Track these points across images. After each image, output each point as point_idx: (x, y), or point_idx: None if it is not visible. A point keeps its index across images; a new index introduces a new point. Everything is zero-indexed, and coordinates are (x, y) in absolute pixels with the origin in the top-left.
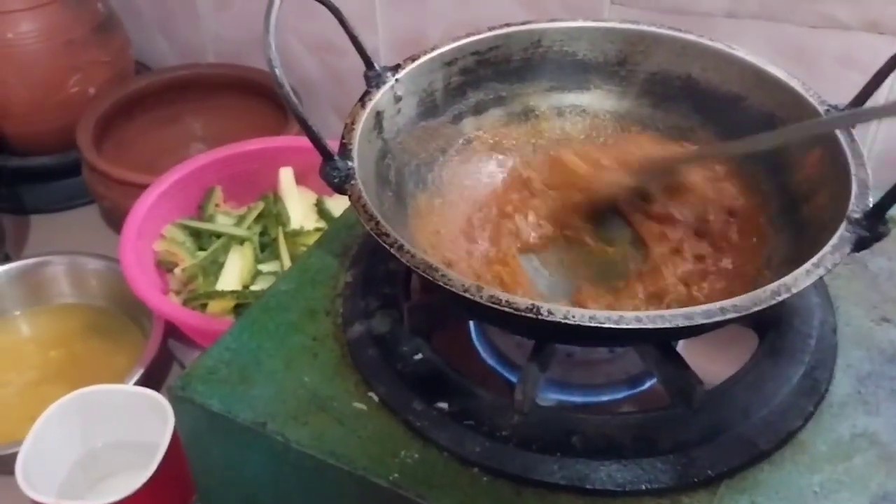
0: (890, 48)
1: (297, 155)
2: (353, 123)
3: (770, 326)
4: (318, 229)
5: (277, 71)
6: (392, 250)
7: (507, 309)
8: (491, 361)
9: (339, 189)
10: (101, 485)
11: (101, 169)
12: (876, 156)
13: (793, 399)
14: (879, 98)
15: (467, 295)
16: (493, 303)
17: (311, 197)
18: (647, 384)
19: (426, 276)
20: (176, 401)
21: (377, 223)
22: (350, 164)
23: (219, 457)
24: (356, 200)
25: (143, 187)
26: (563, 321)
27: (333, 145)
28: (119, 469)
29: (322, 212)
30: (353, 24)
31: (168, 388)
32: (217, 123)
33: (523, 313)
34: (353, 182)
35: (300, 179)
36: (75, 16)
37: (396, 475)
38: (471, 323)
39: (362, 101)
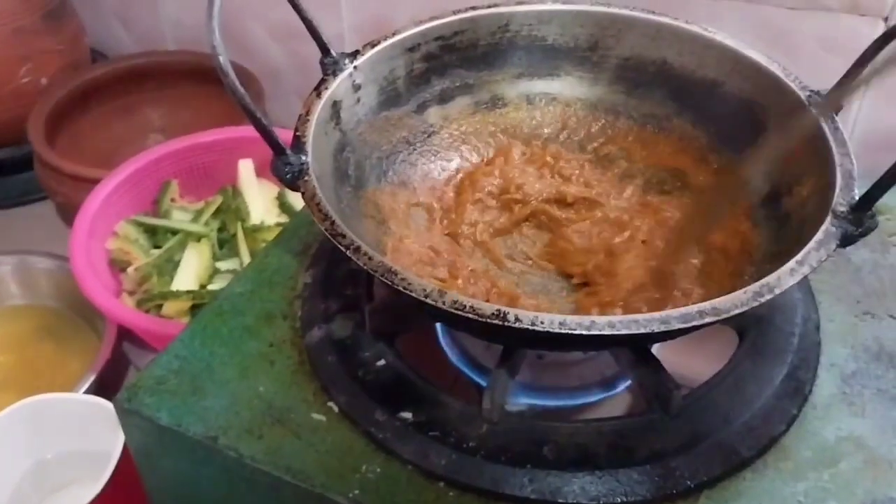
0: (871, 30)
1: (258, 146)
2: (307, 114)
3: (751, 324)
4: (279, 224)
5: (221, 58)
6: (348, 252)
7: (471, 315)
8: (459, 365)
9: (292, 185)
10: (52, 498)
11: (53, 163)
12: (857, 139)
13: (775, 402)
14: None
15: (429, 301)
16: (457, 308)
17: (273, 190)
18: (622, 386)
19: (385, 280)
20: (122, 413)
21: (332, 223)
22: (304, 158)
23: (170, 472)
24: (310, 198)
25: (96, 182)
26: (530, 328)
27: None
28: (71, 481)
29: (284, 206)
30: (315, 9)
31: (114, 400)
32: (176, 113)
33: (489, 320)
34: (306, 178)
35: (261, 172)
36: (24, 1)
37: (357, 491)
38: (438, 325)
39: (318, 90)
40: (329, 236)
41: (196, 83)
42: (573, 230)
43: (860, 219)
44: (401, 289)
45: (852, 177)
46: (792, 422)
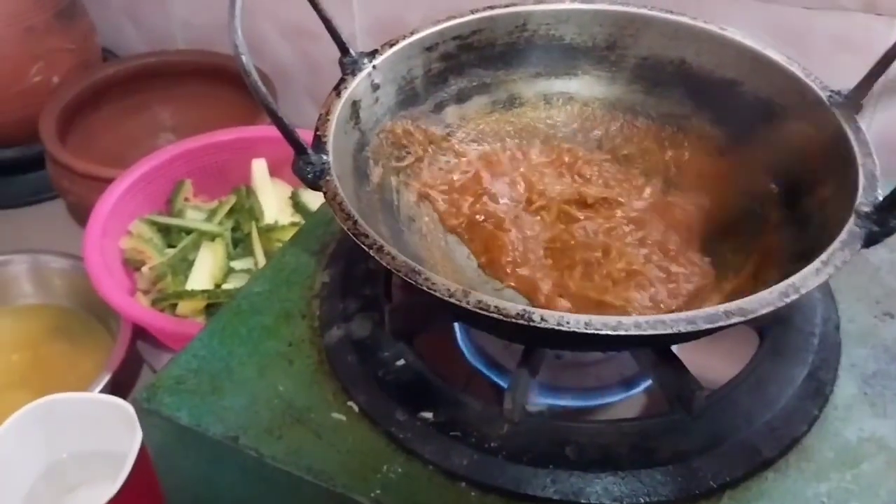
0: (888, 30)
1: (271, 146)
2: (327, 114)
3: (771, 324)
4: (293, 224)
5: (244, 58)
6: (371, 252)
7: (495, 315)
8: (478, 365)
9: (314, 185)
10: (67, 498)
11: (65, 162)
12: (874, 139)
13: (797, 402)
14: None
15: (453, 300)
16: (481, 309)
17: (287, 190)
18: (643, 385)
19: (409, 279)
20: (142, 413)
21: (355, 222)
22: (325, 157)
23: (189, 471)
24: (332, 198)
25: (108, 181)
26: (556, 328)
27: (308, 136)
28: (86, 481)
29: (298, 205)
30: (328, 8)
31: (133, 400)
32: (187, 113)
33: (514, 320)
34: (328, 178)
35: (274, 171)
36: (35, 1)
37: (378, 492)
38: (456, 324)
39: (337, 89)
40: (352, 236)
41: (206, 82)
42: (581, 226)
43: (884, 219)
44: (425, 288)
45: (875, 177)
46: (813, 422)
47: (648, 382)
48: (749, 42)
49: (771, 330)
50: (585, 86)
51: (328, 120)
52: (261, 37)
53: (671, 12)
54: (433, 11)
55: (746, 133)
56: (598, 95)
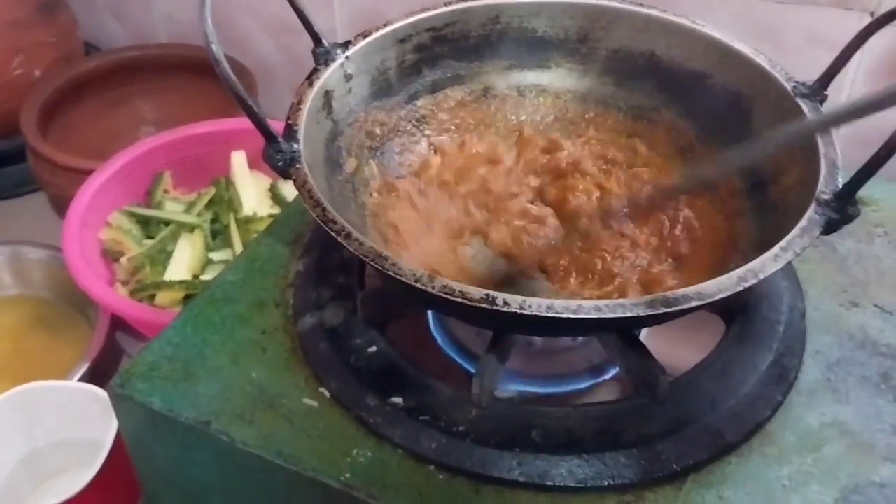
0: (858, 24)
1: (250, 138)
2: (299, 103)
3: (737, 312)
4: (271, 216)
5: (214, 47)
6: (339, 238)
7: (460, 299)
8: (449, 352)
9: (284, 173)
10: (45, 486)
11: (46, 154)
12: (843, 133)
13: (761, 388)
14: (847, 74)
15: (419, 285)
16: (446, 293)
17: (265, 182)
18: (611, 373)
19: (375, 265)
20: (116, 399)
21: (324, 209)
22: (296, 146)
23: (163, 457)
24: (301, 185)
25: (89, 173)
26: (518, 311)
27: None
28: (64, 469)
29: (276, 197)
30: (308, 2)
31: (108, 386)
32: (168, 106)
33: (477, 304)
34: (298, 166)
35: (253, 164)
36: None
37: (348, 475)
38: (428, 312)
39: (310, 79)
40: (320, 222)
41: (188, 76)
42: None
43: (843, 207)
44: (391, 274)
45: (836, 166)
46: (777, 408)
47: (616, 370)
48: (717, 34)
49: (737, 318)
50: (557, 78)
51: (300, 109)
52: (243, 32)
53: (642, 5)
54: (413, 4)
55: (716, 124)
56: (570, 88)
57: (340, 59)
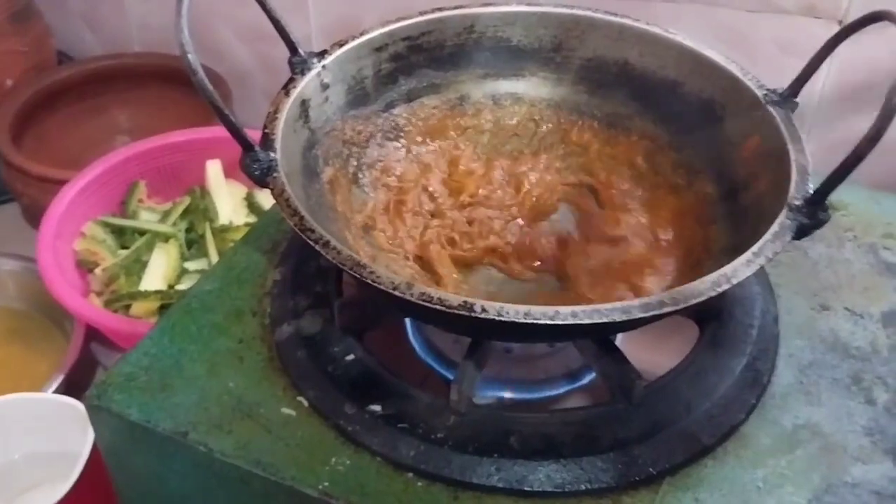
0: (827, 32)
1: (226, 147)
2: (275, 112)
3: (711, 317)
4: (248, 224)
5: (190, 56)
6: (317, 247)
7: (438, 306)
8: (427, 359)
9: (261, 182)
10: (21, 499)
11: (18, 165)
12: (813, 140)
13: (735, 391)
14: (817, 81)
15: (397, 293)
16: (425, 300)
17: (241, 191)
18: (588, 378)
19: (353, 273)
20: (92, 410)
21: (301, 218)
22: (272, 155)
23: (140, 468)
24: (279, 194)
25: (63, 183)
26: (496, 318)
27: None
28: (40, 482)
29: (252, 206)
30: (283, 10)
31: (84, 398)
32: (143, 115)
33: (455, 311)
34: (275, 174)
35: (229, 172)
36: None
37: (326, 484)
38: (406, 319)
39: (286, 88)
40: (298, 231)
41: (163, 85)
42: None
43: (814, 212)
44: (369, 282)
45: (807, 172)
46: (751, 410)
47: (593, 375)
48: (689, 43)
49: (711, 322)
50: (532, 87)
51: (276, 118)
52: (219, 40)
53: (616, 15)
54: (390, 13)
55: (688, 132)
56: (545, 96)
57: (317, 68)
